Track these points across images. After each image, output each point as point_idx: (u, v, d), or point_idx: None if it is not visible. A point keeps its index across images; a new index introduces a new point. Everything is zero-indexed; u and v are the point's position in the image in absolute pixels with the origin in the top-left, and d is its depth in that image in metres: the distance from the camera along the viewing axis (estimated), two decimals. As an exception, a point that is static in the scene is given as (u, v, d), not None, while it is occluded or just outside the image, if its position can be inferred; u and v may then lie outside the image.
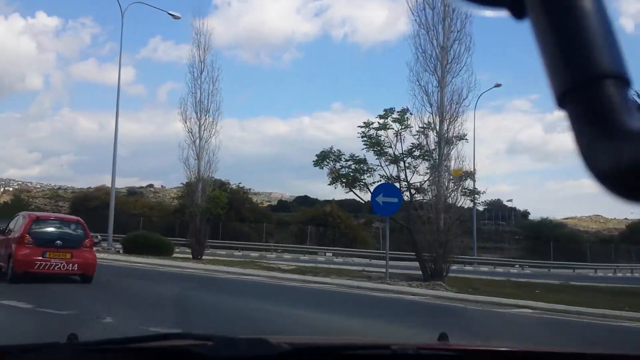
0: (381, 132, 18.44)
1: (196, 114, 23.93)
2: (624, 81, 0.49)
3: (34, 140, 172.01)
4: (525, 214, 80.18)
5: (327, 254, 37.55)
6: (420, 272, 18.04)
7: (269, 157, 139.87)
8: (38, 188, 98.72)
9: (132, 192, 72.88)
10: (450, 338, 1.86)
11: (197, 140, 23.70)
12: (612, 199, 0.48)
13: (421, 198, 18.87)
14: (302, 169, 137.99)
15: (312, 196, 72.19)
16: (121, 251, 25.39)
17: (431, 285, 16.13)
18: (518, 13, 0.54)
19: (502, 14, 0.56)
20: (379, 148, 18.52)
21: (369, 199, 19.48)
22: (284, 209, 61.81)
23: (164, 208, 47.43)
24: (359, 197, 19.04)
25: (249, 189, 42.06)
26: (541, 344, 8.46)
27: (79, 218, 13.49)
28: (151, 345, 1.45)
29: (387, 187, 17.49)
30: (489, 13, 0.57)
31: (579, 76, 0.49)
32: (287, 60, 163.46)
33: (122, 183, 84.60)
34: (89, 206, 42.41)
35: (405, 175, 18.45)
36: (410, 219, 18.31)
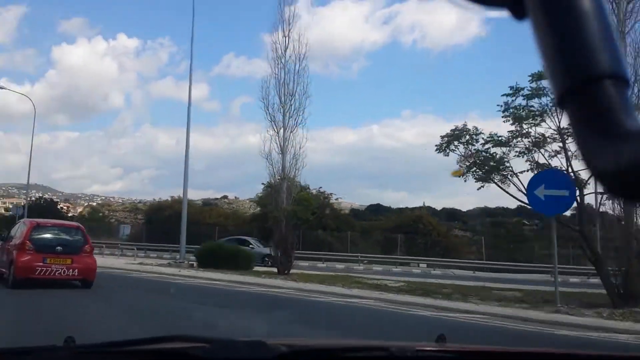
0: (533, 102, 13.03)
1: (280, 98, 19.36)
2: (623, 81, 0.48)
3: (116, 157, 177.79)
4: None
5: (420, 264, 32.28)
6: (595, 292, 12.61)
7: (338, 166, 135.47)
8: (119, 202, 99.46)
9: (207, 203, 70.55)
10: None
11: (281, 131, 19.23)
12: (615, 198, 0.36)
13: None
14: (371, 177, 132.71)
15: (384, 204, 67.16)
16: (195, 264, 21.46)
17: (630, 315, 10.73)
18: (518, 13, 0.53)
19: (502, 14, 0.54)
20: (531, 122, 13.14)
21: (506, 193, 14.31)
22: (357, 218, 57.05)
23: (240, 217, 43.67)
24: (505, 191, 13.69)
25: (330, 193, 37.19)
26: None
27: (78, 224, 13.49)
28: (148, 348, 1.37)
29: (552, 175, 12.15)
30: (489, 13, 0.55)
31: (579, 76, 0.48)
32: (355, 69, 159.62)
33: (198, 195, 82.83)
34: (163, 216, 39.39)
35: (568, 160, 12.92)
36: (581, 220, 12.83)
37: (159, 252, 31.92)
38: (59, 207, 53.50)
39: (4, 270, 11.97)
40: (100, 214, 56.01)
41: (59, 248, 11.48)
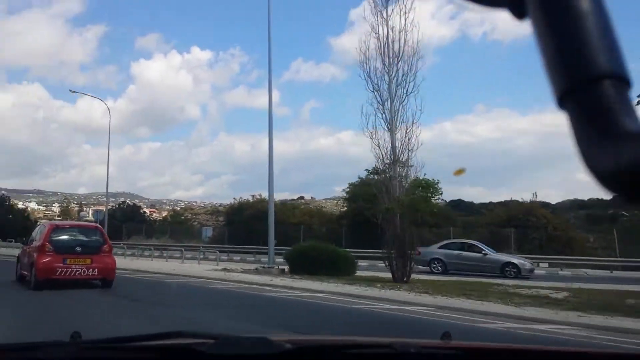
0: None
1: (383, 62, 15.11)
2: (624, 81, 0.47)
3: (197, 164, 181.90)
4: None
5: (540, 264, 26.80)
6: None
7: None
8: (201, 206, 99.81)
9: (284, 204, 67.94)
10: None
11: (387, 102, 14.92)
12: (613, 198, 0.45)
13: None
14: (446, 174, 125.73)
15: (466, 199, 61.22)
16: (286, 269, 17.68)
17: None
18: (518, 13, 0.51)
19: (502, 14, 0.53)
20: None
21: None
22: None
23: (325, 215, 39.88)
24: None
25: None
26: None
27: (97, 224, 13.59)
28: (154, 344, 1.32)
29: None
30: (489, 13, 0.47)
31: (579, 77, 0.47)
32: (423, 66, 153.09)
33: (275, 197, 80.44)
34: (245, 216, 36.31)
35: None
36: None
37: (242, 254, 28.87)
38: (142, 211, 52.28)
39: (25, 272, 11.83)
40: (183, 217, 54.33)
41: (78, 248, 11.37)
